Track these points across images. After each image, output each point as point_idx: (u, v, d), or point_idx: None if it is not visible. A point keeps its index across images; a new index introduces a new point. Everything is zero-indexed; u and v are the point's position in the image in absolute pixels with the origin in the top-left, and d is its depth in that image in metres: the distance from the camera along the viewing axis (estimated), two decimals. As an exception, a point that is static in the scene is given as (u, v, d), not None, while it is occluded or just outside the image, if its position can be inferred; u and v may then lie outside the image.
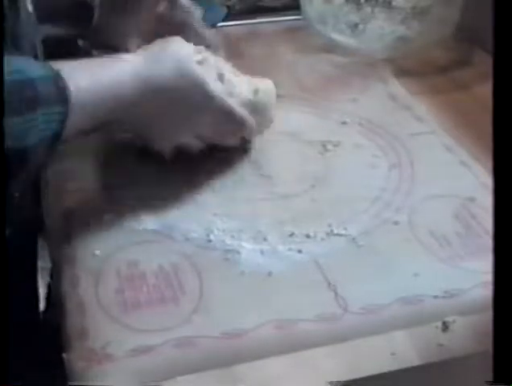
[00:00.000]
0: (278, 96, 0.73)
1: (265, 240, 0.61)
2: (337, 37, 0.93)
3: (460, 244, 0.61)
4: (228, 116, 0.65)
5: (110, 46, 0.70)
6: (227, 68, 0.68)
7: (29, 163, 0.52)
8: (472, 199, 0.66)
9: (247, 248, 0.60)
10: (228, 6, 1.02)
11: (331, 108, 0.81)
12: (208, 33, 0.75)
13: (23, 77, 0.51)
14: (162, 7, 0.73)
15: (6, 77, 0.49)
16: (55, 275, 0.63)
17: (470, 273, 0.58)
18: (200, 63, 0.64)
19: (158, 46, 0.63)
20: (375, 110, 0.81)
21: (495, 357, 0.42)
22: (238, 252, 0.60)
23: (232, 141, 0.70)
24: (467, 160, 0.72)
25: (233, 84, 0.67)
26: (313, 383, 0.50)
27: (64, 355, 0.51)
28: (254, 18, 1.06)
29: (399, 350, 0.52)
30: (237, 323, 0.54)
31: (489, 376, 0.43)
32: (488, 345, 0.43)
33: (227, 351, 0.52)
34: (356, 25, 0.92)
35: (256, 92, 0.70)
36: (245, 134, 0.70)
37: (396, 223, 0.64)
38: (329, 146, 0.74)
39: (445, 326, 0.54)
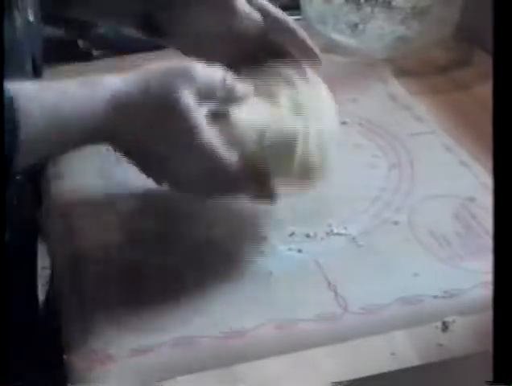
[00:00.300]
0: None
1: (265, 239, 0.61)
2: (337, 37, 0.93)
3: (459, 244, 0.61)
4: (210, 160, 0.54)
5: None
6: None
7: None
8: (472, 199, 0.66)
9: (247, 247, 0.61)
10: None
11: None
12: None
13: None
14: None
15: None
16: (55, 275, 0.63)
17: (470, 273, 0.58)
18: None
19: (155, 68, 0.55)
20: (375, 110, 0.81)
21: (495, 357, 0.42)
22: (238, 252, 0.60)
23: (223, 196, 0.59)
24: (467, 160, 0.72)
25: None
26: (313, 383, 0.50)
27: (65, 356, 0.51)
28: (254, 18, 1.06)
29: (399, 350, 0.52)
30: (237, 323, 0.54)
31: (489, 376, 0.43)
32: (488, 345, 0.43)
33: (227, 350, 0.52)
34: (356, 25, 0.92)
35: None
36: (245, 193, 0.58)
37: (396, 223, 0.64)
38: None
39: (445, 326, 0.54)
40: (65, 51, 0.66)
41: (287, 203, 0.66)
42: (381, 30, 0.92)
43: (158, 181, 0.58)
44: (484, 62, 0.86)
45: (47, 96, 0.51)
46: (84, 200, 0.67)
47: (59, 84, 0.52)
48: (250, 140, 0.56)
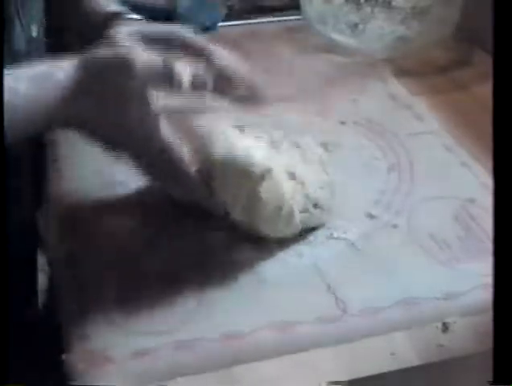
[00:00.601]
0: (278, 95, 0.73)
1: (265, 243, 0.61)
2: (337, 37, 0.93)
3: (459, 247, 0.61)
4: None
5: None
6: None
7: None
8: (472, 201, 0.66)
9: (247, 250, 0.60)
10: (228, 6, 1.02)
11: (331, 108, 0.81)
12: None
13: None
14: None
15: None
16: (55, 275, 0.63)
17: (470, 275, 0.58)
18: None
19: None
20: (375, 110, 0.81)
21: (495, 357, 0.43)
22: (238, 254, 0.60)
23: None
24: (467, 160, 0.72)
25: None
26: (313, 384, 0.50)
27: (64, 357, 0.51)
28: (254, 18, 1.06)
29: (399, 350, 0.52)
30: (237, 325, 0.54)
31: (489, 376, 0.43)
32: (488, 345, 0.43)
33: (227, 352, 0.52)
34: (356, 25, 0.92)
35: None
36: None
37: (395, 226, 0.64)
38: (329, 147, 0.74)
39: (445, 327, 0.54)
40: (65, 50, 0.66)
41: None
42: (381, 30, 0.92)
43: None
44: (484, 62, 0.86)
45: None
46: (84, 200, 0.67)
47: (10, 81, 0.52)
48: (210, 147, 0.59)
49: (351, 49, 0.93)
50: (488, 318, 0.43)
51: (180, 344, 0.53)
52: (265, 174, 0.58)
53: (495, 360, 0.42)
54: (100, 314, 0.55)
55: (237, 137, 0.62)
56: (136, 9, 0.70)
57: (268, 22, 1.05)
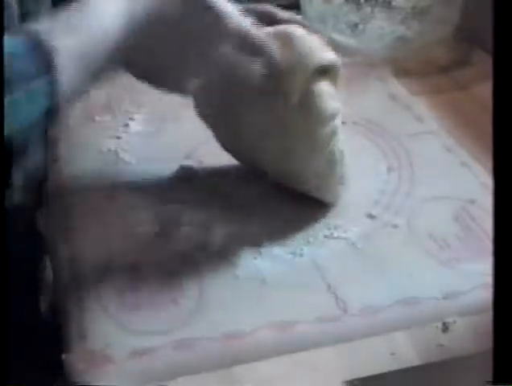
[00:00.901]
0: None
1: (265, 242, 0.61)
2: (337, 37, 0.93)
3: (459, 246, 0.61)
4: (245, 40, 0.55)
5: None
6: None
7: (20, 148, 0.48)
8: (472, 201, 0.66)
9: (247, 250, 0.60)
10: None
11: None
12: None
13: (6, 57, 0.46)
14: None
15: None
16: (55, 275, 0.63)
17: (470, 275, 0.58)
18: None
19: None
20: (375, 110, 0.81)
21: (495, 357, 0.42)
22: (239, 255, 0.60)
23: (256, 80, 0.59)
24: (467, 160, 0.72)
25: None
26: (313, 384, 0.50)
27: (64, 357, 0.51)
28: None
29: (399, 350, 0.52)
30: (237, 325, 0.54)
31: (489, 376, 0.43)
32: (488, 345, 0.43)
33: (227, 352, 0.52)
34: (356, 25, 0.92)
35: None
36: (271, 69, 0.58)
37: (395, 226, 0.64)
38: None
39: (445, 327, 0.54)
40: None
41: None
42: (381, 30, 0.92)
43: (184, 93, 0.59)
44: (484, 62, 0.86)
45: (66, 24, 0.50)
46: (84, 200, 0.67)
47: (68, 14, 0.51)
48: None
49: (351, 49, 0.93)
50: (488, 317, 0.43)
51: (180, 344, 0.53)
52: None
53: (495, 360, 0.42)
54: (100, 313, 0.55)
55: None
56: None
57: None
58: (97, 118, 0.78)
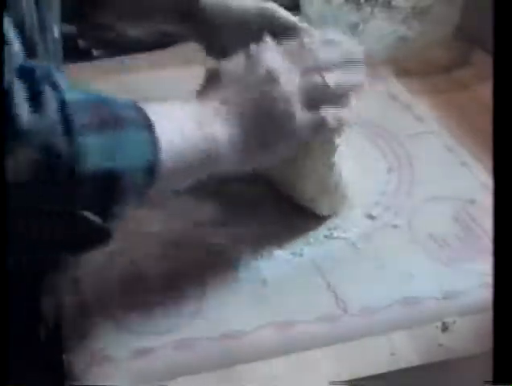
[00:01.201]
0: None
1: (266, 243, 0.61)
2: (337, 37, 0.93)
3: (459, 246, 0.61)
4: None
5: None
6: None
7: (121, 187, 0.46)
8: (472, 201, 0.66)
9: (247, 251, 0.60)
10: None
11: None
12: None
13: (102, 98, 0.47)
14: None
15: (81, 95, 0.45)
16: (56, 275, 0.63)
17: (469, 275, 0.58)
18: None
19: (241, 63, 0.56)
20: (375, 110, 0.81)
21: (495, 357, 0.42)
22: (239, 255, 0.60)
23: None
24: (467, 160, 0.72)
25: None
26: (313, 383, 0.50)
27: (64, 357, 0.51)
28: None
29: (399, 350, 0.52)
30: (237, 325, 0.54)
31: (489, 376, 0.43)
32: (488, 345, 0.43)
33: (228, 352, 0.52)
34: (356, 25, 0.92)
35: None
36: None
37: (395, 226, 0.64)
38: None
39: (445, 327, 0.54)
40: (65, 50, 0.66)
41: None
42: (381, 31, 0.92)
43: None
44: (484, 62, 0.86)
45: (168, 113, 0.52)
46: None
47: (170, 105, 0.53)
48: None
49: (351, 49, 0.93)
50: (488, 317, 0.43)
51: (180, 344, 0.53)
52: None
53: (495, 360, 0.42)
54: (100, 314, 0.55)
55: None
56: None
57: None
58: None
